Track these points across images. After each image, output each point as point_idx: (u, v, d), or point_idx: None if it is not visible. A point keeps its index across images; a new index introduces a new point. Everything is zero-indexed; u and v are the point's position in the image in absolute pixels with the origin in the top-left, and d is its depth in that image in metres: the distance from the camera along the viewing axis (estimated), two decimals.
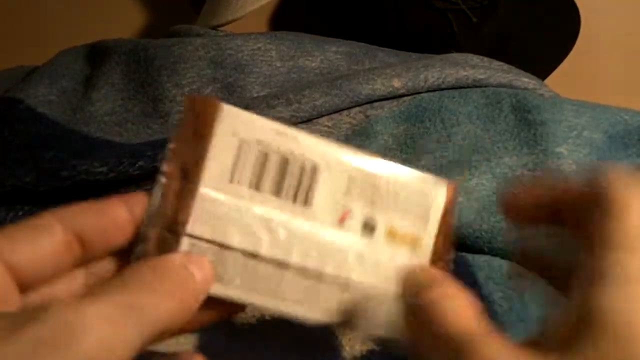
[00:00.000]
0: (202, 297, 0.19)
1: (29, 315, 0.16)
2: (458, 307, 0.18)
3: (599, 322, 0.15)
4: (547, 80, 0.55)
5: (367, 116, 0.37)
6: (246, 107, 0.35)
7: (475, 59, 0.42)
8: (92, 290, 0.18)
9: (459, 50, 0.47)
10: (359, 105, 0.37)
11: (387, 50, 0.43)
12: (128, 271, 0.18)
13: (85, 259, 0.20)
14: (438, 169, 0.34)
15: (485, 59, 0.42)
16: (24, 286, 0.18)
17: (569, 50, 0.55)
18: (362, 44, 0.43)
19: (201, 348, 0.27)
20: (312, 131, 0.36)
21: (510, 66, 0.42)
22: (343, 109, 0.37)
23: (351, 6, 0.54)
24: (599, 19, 0.64)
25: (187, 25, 0.45)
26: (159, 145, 0.32)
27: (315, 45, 0.41)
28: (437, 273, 0.21)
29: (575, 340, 0.16)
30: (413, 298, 0.20)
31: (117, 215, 0.20)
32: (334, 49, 0.41)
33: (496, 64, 0.42)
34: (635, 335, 0.15)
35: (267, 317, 0.29)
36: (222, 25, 0.48)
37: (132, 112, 0.37)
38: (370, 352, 0.29)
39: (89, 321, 0.16)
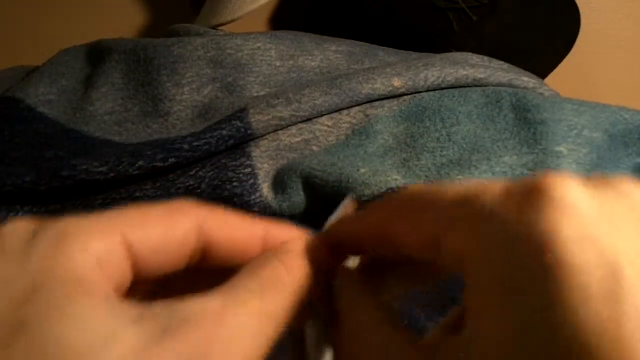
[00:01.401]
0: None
1: (171, 326, 0.15)
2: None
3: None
4: (547, 79, 0.55)
5: (367, 115, 0.37)
6: (246, 106, 0.35)
7: (475, 58, 0.42)
8: (224, 294, 0.16)
9: (459, 49, 0.47)
10: (358, 105, 0.37)
11: (387, 49, 0.43)
12: (261, 270, 0.18)
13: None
14: (438, 168, 0.34)
15: (485, 58, 0.42)
16: (137, 273, 0.17)
17: (569, 49, 0.55)
18: (362, 43, 0.43)
19: None
20: (312, 130, 0.36)
21: (510, 65, 0.42)
22: (343, 108, 0.37)
23: (351, 5, 0.54)
24: (600, 17, 0.63)
25: (187, 25, 0.45)
26: (159, 145, 0.32)
27: (315, 44, 0.41)
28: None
29: None
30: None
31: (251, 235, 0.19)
32: (333, 48, 0.41)
33: (496, 63, 0.42)
34: None
35: None
36: (222, 24, 0.48)
37: (132, 112, 0.37)
38: None
39: (232, 335, 0.15)
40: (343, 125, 0.36)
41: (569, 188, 0.14)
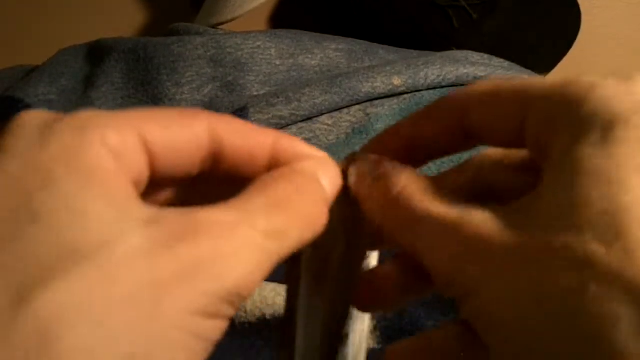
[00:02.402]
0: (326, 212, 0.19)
1: (180, 233, 0.15)
2: (427, 189, 0.18)
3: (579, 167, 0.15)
4: (548, 77, 0.54)
5: (367, 114, 0.37)
6: (246, 105, 0.35)
7: (475, 56, 0.41)
8: (235, 208, 0.16)
9: (459, 47, 0.47)
10: (359, 104, 0.37)
11: (387, 48, 0.43)
12: (270, 189, 0.17)
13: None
14: (438, 167, 0.34)
15: (486, 56, 0.42)
16: (153, 172, 0.17)
17: (569, 47, 0.55)
18: (362, 41, 0.43)
19: None
20: (313, 129, 0.36)
21: (511, 63, 0.42)
22: (343, 107, 0.37)
23: (351, 3, 0.54)
24: (600, 15, 0.63)
25: (187, 24, 0.45)
26: None
27: (315, 43, 0.41)
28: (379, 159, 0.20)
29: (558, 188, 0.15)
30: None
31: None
32: (333, 46, 0.41)
33: (496, 61, 0.42)
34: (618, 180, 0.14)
35: (267, 317, 0.29)
36: (222, 23, 0.48)
37: None
38: (371, 351, 0.29)
39: (243, 249, 0.15)
40: (343, 124, 0.36)
41: None
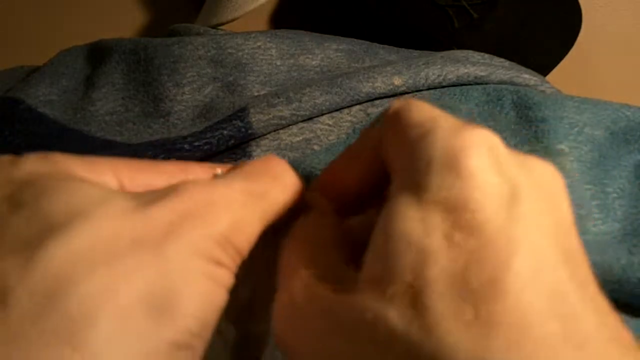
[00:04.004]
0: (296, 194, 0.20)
1: (162, 193, 0.16)
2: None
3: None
4: (549, 77, 0.54)
5: (368, 114, 0.37)
6: (246, 106, 0.35)
7: (476, 55, 0.41)
8: (216, 180, 0.18)
9: (460, 46, 0.47)
10: (359, 104, 0.37)
11: (388, 48, 0.43)
12: (246, 166, 0.19)
13: None
14: None
15: (486, 55, 0.42)
16: None
17: (570, 46, 0.55)
18: (363, 41, 0.43)
19: None
20: (313, 129, 0.36)
21: (512, 63, 0.42)
22: (344, 107, 0.37)
23: (351, 3, 0.54)
24: (601, 14, 0.63)
25: (187, 24, 0.45)
26: (160, 146, 0.32)
27: (316, 43, 0.41)
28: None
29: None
30: None
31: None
32: (334, 46, 0.41)
33: (497, 60, 0.42)
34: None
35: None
36: (222, 24, 0.48)
37: (133, 112, 0.37)
38: None
39: (224, 201, 0.17)
40: (344, 124, 0.36)
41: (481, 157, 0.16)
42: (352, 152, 0.21)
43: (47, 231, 0.14)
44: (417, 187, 0.15)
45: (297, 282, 0.17)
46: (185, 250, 0.15)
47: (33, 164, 0.16)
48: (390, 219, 0.15)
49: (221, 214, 0.16)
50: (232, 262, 0.17)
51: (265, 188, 0.19)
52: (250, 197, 0.18)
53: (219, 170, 0.21)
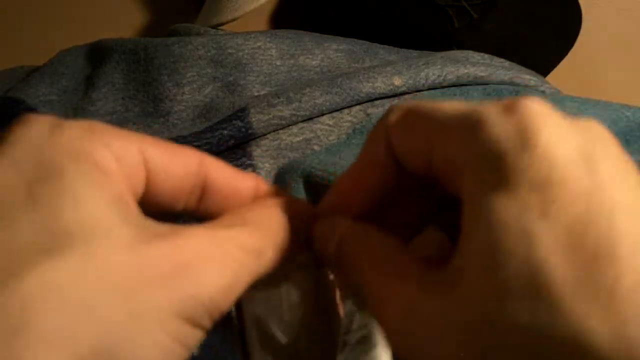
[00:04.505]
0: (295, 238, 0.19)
1: (164, 233, 0.15)
2: (365, 251, 0.18)
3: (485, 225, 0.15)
4: (549, 77, 0.54)
5: (367, 114, 0.37)
6: (247, 106, 0.35)
7: (476, 56, 0.41)
8: (214, 227, 0.17)
9: (460, 47, 0.47)
10: (359, 104, 0.37)
11: (388, 48, 0.43)
12: (247, 212, 0.18)
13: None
14: None
15: (486, 56, 0.42)
16: (147, 189, 0.18)
17: (570, 46, 0.55)
18: (363, 41, 0.43)
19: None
20: (313, 129, 0.36)
21: (512, 63, 0.42)
22: (344, 108, 0.37)
23: (351, 3, 0.54)
24: (601, 14, 0.63)
25: (187, 24, 0.45)
26: None
27: (316, 43, 0.41)
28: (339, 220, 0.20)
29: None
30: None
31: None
32: (334, 46, 0.41)
33: (497, 61, 0.42)
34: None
35: None
36: (222, 24, 0.48)
37: (133, 112, 0.37)
38: None
39: (220, 257, 0.16)
40: (344, 124, 0.36)
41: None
42: (359, 165, 0.20)
43: (32, 257, 0.14)
44: (498, 176, 0.15)
45: (398, 294, 0.16)
46: (165, 307, 0.15)
47: (73, 136, 0.16)
48: (484, 212, 0.15)
49: (215, 274, 0.16)
50: (210, 323, 0.16)
51: (263, 244, 0.18)
52: (246, 255, 0.17)
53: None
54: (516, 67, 0.42)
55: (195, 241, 0.16)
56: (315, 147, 0.35)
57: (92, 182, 0.15)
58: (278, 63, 0.39)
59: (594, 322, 0.13)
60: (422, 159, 0.18)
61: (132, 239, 0.15)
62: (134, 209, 0.16)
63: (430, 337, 0.16)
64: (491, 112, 0.15)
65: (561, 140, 0.15)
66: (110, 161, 0.16)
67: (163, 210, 0.19)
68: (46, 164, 0.15)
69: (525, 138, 0.15)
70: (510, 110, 0.15)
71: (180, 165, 0.18)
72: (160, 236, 0.15)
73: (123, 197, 0.16)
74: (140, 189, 0.17)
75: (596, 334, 0.13)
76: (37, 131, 0.16)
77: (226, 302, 0.16)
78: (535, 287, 0.13)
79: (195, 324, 0.15)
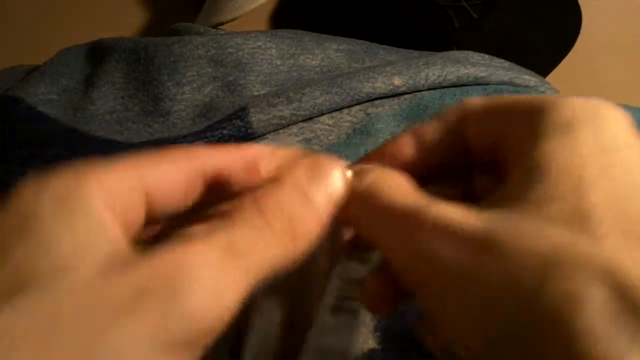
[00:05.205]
0: (322, 226, 0.17)
1: (133, 259, 0.14)
2: (395, 182, 0.18)
3: (547, 169, 0.16)
4: (549, 78, 0.54)
5: (367, 114, 0.37)
6: (247, 105, 0.35)
7: (476, 56, 0.41)
8: (195, 231, 0.16)
9: (460, 47, 0.47)
10: (359, 104, 0.37)
11: (388, 48, 0.43)
12: (234, 208, 0.16)
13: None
14: None
15: (486, 56, 0.42)
16: (150, 214, 0.17)
17: (570, 46, 0.55)
18: (363, 41, 0.43)
19: None
20: (313, 129, 0.36)
21: (512, 64, 0.42)
22: (344, 107, 0.37)
23: (351, 3, 0.54)
24: (601, 14, 0.63)
25: (187, 24, 0.45)
26: (160, 145, 0.32)
27: (316, 43, 0.41)
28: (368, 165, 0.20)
29: (525, 191, 0.16)
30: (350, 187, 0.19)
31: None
32: (334, 46, 0.41)
33: (497, 61, 0.42)
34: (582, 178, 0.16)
35: None
36: (222, 23, 0.48)
37: (133, 111, 0.37)
38: (371, 351, 0.29)
39: (198, 266, 0.14)
40: (344, 124, 0.36)
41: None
42: (428, 127, 0.20)
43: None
44: (567, 129, 0.17)
45: (421, 226, 0.16)
46: (138, 333, 0.13)
47: (58, 186, 0.15)
48: (548, 150, 0.16)
49: (191, 287, 0.14)
50: (197, 346, 0.14)
51: (251, 241, 0.16)
52: (229, 256, 0.15)
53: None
54: (516, 67, 0.42)
55: (165, 254, 0.14)
56: (316, 147, 0.35)
57: (69, 224, 0.14)
58: (278, 63, 0.39)
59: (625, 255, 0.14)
60: (492, 140, 0.19)
61: (95, 276, 0.14)
62: (119, 243, 0.15)
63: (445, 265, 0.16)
64: (551, 98, 0.18)
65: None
66: (97, 198, 0.15)
67: (172, 215, 0.18)
68: (27, 215, 0.15)
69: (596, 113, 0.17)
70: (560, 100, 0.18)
71: (182, 180, 0.17)
72: (127, 264, 0.14)
73: (106, 233, 0.15)
74: (140, 218, 0.16)
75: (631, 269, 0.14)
76: (26, 191, 0.15)
77: (213, 314, 0.14)
78: (584, 225, 0.15)
79: (175, 353, 0.14)
